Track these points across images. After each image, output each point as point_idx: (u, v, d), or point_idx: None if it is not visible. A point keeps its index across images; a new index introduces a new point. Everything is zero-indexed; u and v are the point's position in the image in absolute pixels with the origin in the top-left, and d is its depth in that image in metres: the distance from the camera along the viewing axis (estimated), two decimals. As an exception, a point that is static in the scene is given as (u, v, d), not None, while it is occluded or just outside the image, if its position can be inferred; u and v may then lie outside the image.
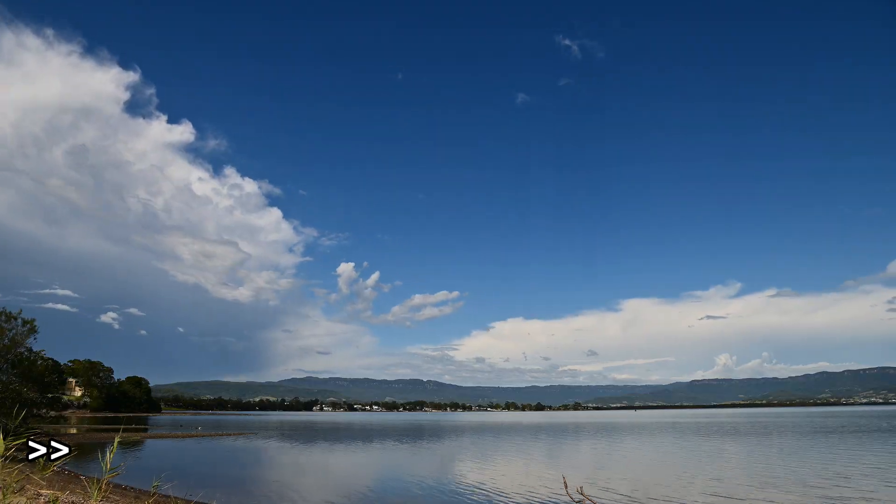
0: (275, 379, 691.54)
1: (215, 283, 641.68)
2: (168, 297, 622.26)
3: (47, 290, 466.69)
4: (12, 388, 35.37)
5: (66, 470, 21.50)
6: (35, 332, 39.75)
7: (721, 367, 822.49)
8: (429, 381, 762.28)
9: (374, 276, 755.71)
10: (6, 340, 37.70)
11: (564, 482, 6.43)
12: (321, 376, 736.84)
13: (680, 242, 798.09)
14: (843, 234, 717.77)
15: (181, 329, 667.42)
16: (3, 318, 38.20)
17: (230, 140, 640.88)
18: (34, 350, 40.24)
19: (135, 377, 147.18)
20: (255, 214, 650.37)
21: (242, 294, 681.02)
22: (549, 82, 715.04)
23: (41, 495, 7.84)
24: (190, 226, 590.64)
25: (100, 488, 5.48)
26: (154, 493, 8.88)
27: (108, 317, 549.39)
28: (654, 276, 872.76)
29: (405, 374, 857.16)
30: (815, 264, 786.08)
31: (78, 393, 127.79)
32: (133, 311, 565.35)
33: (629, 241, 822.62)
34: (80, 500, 9.67)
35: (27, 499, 6.32)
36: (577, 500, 6.45)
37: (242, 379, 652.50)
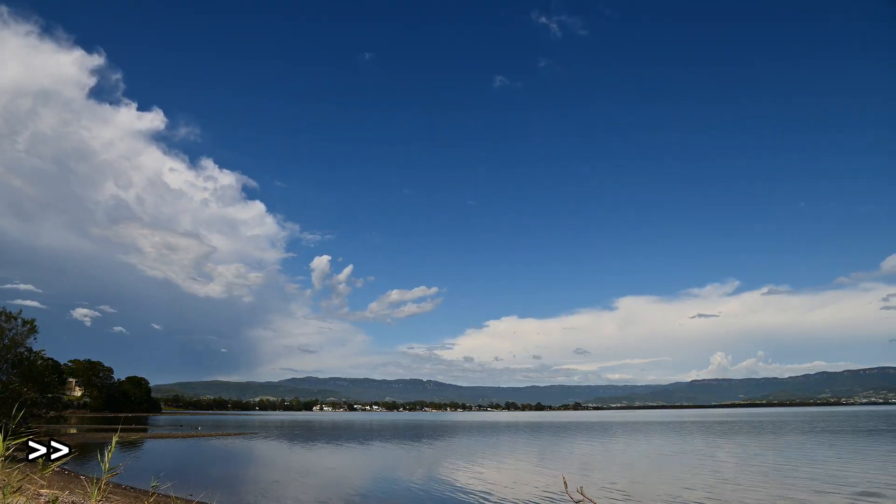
0: (273, 379, 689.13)
1: (187, 279, 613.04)
2: (142, 293, 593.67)
3: (9, 286, 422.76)
4: (12, 388, 35.36)
5: (66, 470, 21.50)
6: (35, 332, 39.73)
7: (716, 366, 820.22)
8: (429, 381, 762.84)
9: (347, 270, 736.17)
10: (6, 340, 37.68)
11: (564, 482, 6.41)
12: (319, 376, 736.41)
13: (679, 242, 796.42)
14: (837, 232, 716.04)
15: (157, 326, 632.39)
16: (3, 318, 38.19)
17: (206, 130, 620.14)
18: (34, 350, 40.23)
19: (135, 377, 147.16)
20: (235, 208, 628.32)
21: (217, 290, 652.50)
22: (528, 64, 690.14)
23: (41, 495, 7.84)
24: (163, 219, 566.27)
25: (99, 488, 5.48)
26: (154, 493, 8.87)
27: (80, 313, 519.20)
28: (651, 273, 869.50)
29: (399, 373, 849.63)
30: (808, 263, 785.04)
31: (78, 393, 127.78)
32: (105, 307, 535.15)
33: (625, 239, 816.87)
34: (80, 500, 9.67)
35: (27, 499, 6.32)
36: (577, 500, 6.38)
37: (234, 378, 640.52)
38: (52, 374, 43.56)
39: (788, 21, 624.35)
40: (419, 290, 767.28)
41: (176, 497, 15.74)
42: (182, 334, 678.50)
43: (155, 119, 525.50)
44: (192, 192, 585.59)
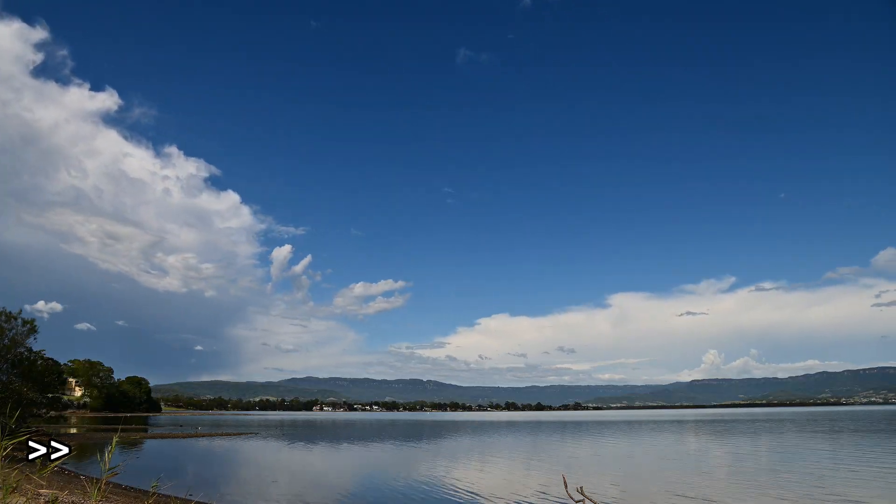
0: (273, 379, 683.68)
1: (141, 272, 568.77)
2: (100, 287, 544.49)
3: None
4: (12, 388, 35.37)
5: (65, 470, 21.51)
6: (35, 332, 39.76)
7: (709, 364, 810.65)
8: (428, 381, 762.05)
9: (305, 260, 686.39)
10: (6, 340, 37.68)
11: (564, 481, 6.41)
12: (319, 375, 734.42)
13: (675, 238, 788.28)
14: (828, 229, 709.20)
15: (121, 322, 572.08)
16: (3, 318, 38.19)
17: (165, 114, 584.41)
18: (34, 350, 40.25)
19: (135, 377, 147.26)
20: (207, 199, 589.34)
21: (176, 284, 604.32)
22: (495, 36, 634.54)
23: (41, 495, 7.84)
24: (125, 210, 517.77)
25: (99, 488, 5.47)
26: (154, 493, 8.86)
27: (35, 308, 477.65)
28: (645, 270, 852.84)
29: (396, 373, 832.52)
30: (800, 259, 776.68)
31: (78, 393, 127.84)
32: (60, 304, 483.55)
33: (618, 235, 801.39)
34: (79, 500, 9.67)
35: (26, 499, 6.31)
36: (577, 500, 6.37)
37: (231, 378, 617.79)
38: (52, 374, 43.56)
39: (788, 21, 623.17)
40: (385, 284, 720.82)
41: (176, 497, 15.74)
42: (161, 333, 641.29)
43: (107, 99, 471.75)
44: (153, 180, 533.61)
